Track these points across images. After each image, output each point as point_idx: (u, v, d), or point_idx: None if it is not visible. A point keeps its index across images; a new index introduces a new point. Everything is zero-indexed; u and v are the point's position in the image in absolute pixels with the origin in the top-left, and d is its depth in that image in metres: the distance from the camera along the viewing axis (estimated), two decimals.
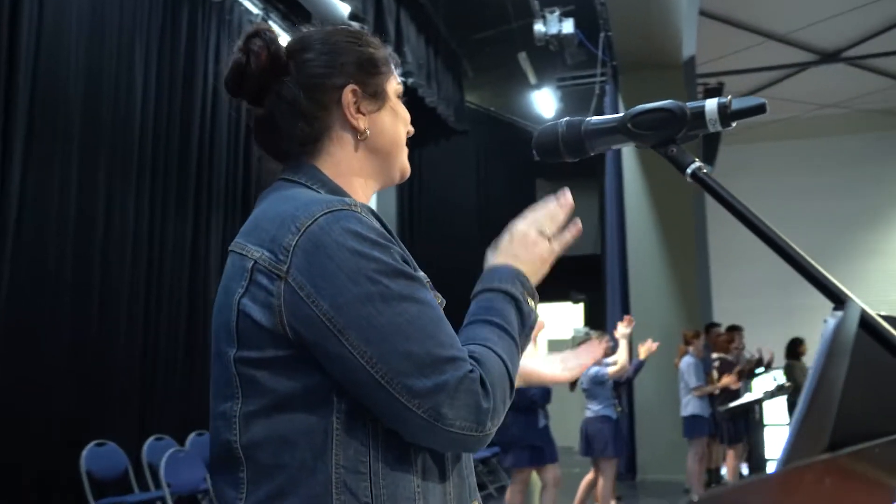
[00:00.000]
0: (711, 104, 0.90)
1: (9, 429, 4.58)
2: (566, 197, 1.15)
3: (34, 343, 4.81)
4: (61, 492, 4.88)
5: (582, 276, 12.00)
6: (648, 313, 7.93)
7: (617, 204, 8.64)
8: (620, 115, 0.95)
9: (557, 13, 8.22)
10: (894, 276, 11.97)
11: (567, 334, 11.41)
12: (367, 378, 0.92)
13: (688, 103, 0.92)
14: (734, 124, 0.90)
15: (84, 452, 4.92)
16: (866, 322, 0.75)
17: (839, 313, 0.74)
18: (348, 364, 0.92)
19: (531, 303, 1.06)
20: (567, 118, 1.00)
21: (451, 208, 10.98)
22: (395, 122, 1.13)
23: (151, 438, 5.49)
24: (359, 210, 0.97)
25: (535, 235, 1.11)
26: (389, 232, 1.02)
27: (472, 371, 0.93)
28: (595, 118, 0.98)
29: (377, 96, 1.11)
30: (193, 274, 6.42)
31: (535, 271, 1.10)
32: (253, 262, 0.96)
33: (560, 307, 13.57)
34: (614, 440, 5.56)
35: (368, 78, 1.10)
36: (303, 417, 0.94)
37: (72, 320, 5.12)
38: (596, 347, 1.25)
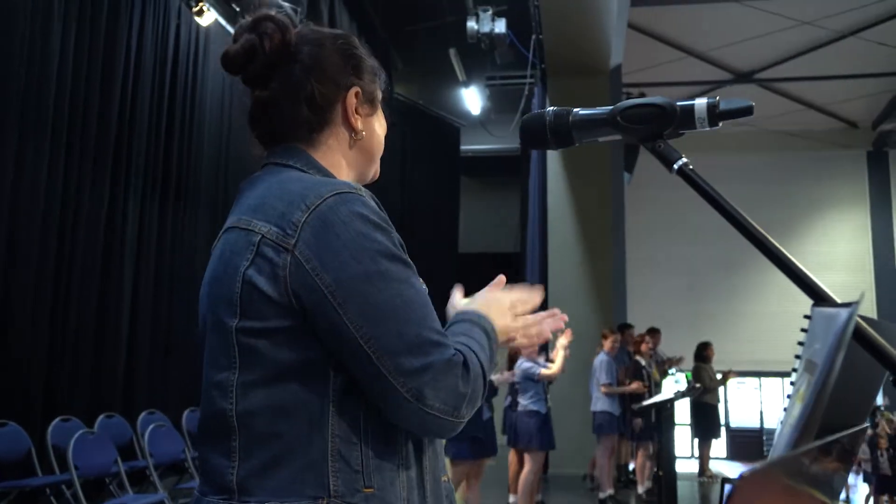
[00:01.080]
0: (701, 103, 0.92)
1: None
2: (540, 293, 1.23)
3: None
4: None
5: (501, 271, 12.15)
6: (565, 312, 8.10)
7: (539, 204, 8.77)
8: (610, 107, 0.97)
9: (490, 12, 8.28)
10: (788, 290, 12.62)
11: None
12: (359, 352, 0.96)
13: (678, 101, 0.93)
14: (721, 124, 0.92)
15: None
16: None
17: (826, 309, 0.77)
18: (343, 336, 0.96)
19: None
20: (555, 108, 1.00)
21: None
22: (381, 128, 1.21)
23: (57, 420, 5.23)
24: (364, 194, 1.03)
25: (506, 306, 1.17)
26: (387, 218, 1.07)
27: (455, 356, 0.99)
28: (584, 109, 0.99)
29: (372, 102, 1.18)
30: (108, 250, 6.16)
31: (501, 336, 1.15)
32: (260, 236, 1.00)
33: None
34: (540, 434, 5.65)
35: (368, 84, 1.17)
36: (301, 388, 0.98)
37: None
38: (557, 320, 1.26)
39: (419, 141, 11.60)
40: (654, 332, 8.12)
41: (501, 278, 1.23)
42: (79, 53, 5.82)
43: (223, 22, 7.94)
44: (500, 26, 8.23)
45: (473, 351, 1.03)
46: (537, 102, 8.86)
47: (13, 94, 5.19)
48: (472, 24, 8.18)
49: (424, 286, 1.04)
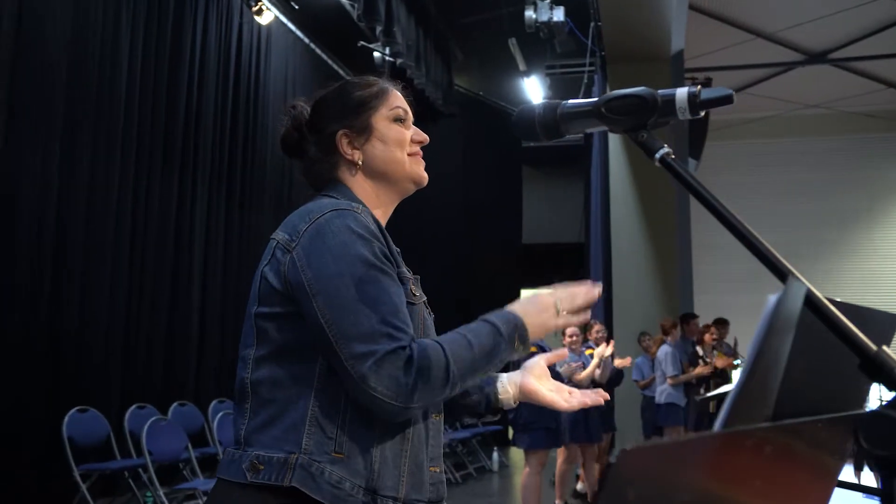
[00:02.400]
0: (682, 92, 0.93)
1: None
2: (595, 290, 1.31)
3: (12, 308, 4.81)
4: (42, 458, 4.90)
5: (565, 263, 12.08)
6: (629, 303, 8.01)
7: (602, 192, 8.68)
8: (595, 99, 0.99)
9: (548, 1, 8.21)
10: (869, 276, 12.12)
11: None
12: (324, 335, 1.17)
13: (659, 91, 0.95)
14: (702, 113, 0.93)
15: (66, 418, 4.94)
16: (812, 303, 0.79)
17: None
18: (314, 322, 1.18)
19: (517, 344, 1.25)
20: (545, 100, 1.03)
21: (436, 192, 10.96)
22: (387, 146, 1.37)
23: (133, 407, 5.51)
24: (359, 211, 1.25)
25: (548, 303, 1.28)
26: (383, 233, 1.27)
27: (403, 349, 1.15)
28: (571, 101, 1.02)
29: (364, 130, 1.37)
30: (178, 244, 6.42)
31: (534, 331, 1.28)
32: (276, 241, 1.26)
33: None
34: (572, 428, 5.68)
35: (355, 119, 1.37)
36: (295, 364, 1.22)
37: (52, 287, 5.11)
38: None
39: (480, 132, 11.61)
40: (721, 324, 7.94)
41: (562, 352, 1.40)
42: (146, 57, 6.09)
43: (284, 19, 8.14)
44: (559, 14, 8.16)
45: (444, 348, 1.17)
46: (597, 90, 8.75)
47: (88, 100, 5.46)
48: (530, 13, 8.13)
49: (399, 290, 1.22)
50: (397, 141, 1.38)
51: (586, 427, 5.78)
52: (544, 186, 13.50)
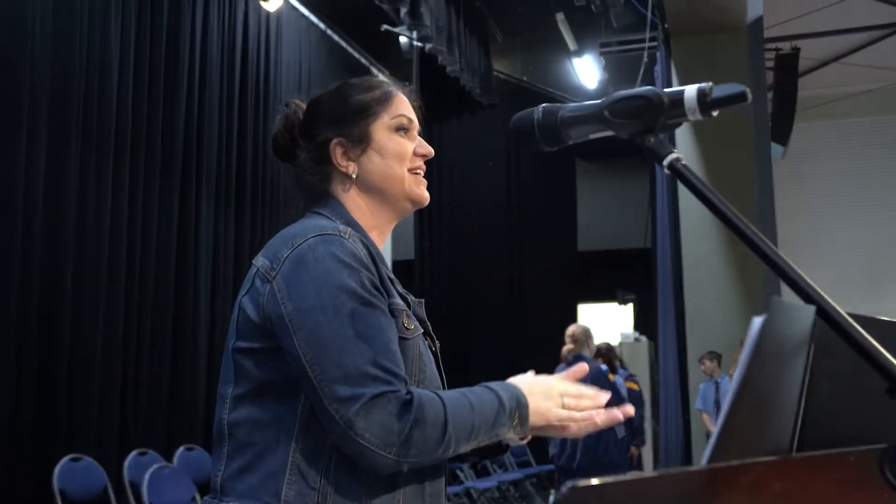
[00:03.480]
0: (691, 91, 0.98)
1: None
2: (601, 398, 1.36)
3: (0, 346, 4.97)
4: None
5: (631, 273, 11.99)
6: (704, 317, 7.94)
7: (669, 189, 8.64)
8: (598, 101, 1.05)
9: None
10: None
11: (614, 340, 11.43)
12: (305, 375, 1.22)
13: (666, 90, 1.00)
14: (715, 113, 0.99)
15: (57, 468, 5.07)
16: (834, 321, 0.84)
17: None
18: (295, 360, 1.23)
19: (515, 422, 1.29)
20: (545, 104, 1.09)
21: (478, 193, 11.05)
22: (385, 160, 1.42)
23: (134, 453, 5.66)
24: (347, 237, 1.30)
25: (554, 392, 1.34)
26: (375, 261, 1.32)
27: (395, 393, 1.19)
28: (572, 105, 1.07)
29: (362, 140, 1.42)
30: (181, 265, 6.56)
31: (534, 416, 1.31)
32: (256, 269, 1.32)
33: (606, 308, 13.55)
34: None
35: (351, 127, 1.42)
36: (274, 404, 1.27)
37: (42, 321, 5.28)
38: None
39: None
40: None
41: (583, 367, 1.41)
42: (140, 52, 6.24)
43: (295, 2, 8.30)
44: None
45: (443, 401, 1.22)
46: (660, 69, 8.73)
47: (73, 100, 5.62)
48: None
49: (390, 326, 1.26)
50: (397, 154, 1.42)
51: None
52: (602, 183, 13.40)
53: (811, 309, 0.77)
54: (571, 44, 9.88)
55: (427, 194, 1.46)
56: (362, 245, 1.31)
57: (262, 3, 7.40)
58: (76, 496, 5.15)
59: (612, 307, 13.24)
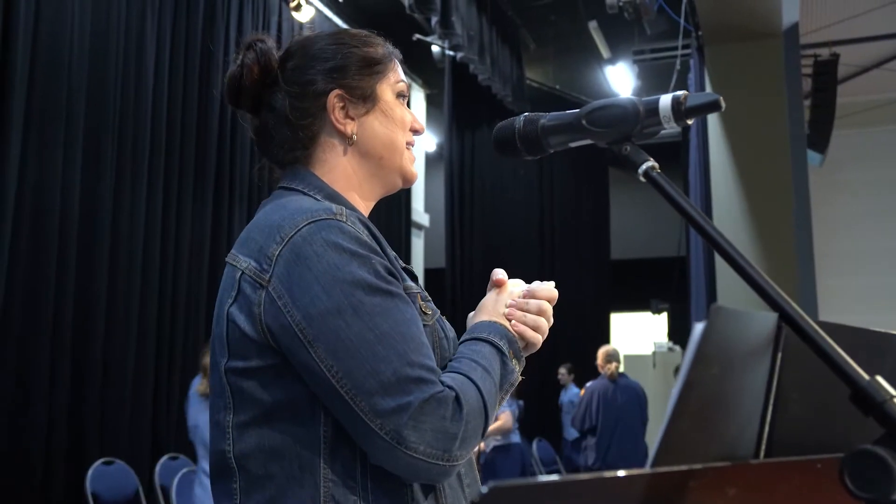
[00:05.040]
0: (665, 100, 1.00)
1: (6, 445, 4.85)
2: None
3: (34, 351, 5.07)
4: None
5: (664, 281, 11.90)
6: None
7: (703, 197, 8.57)
8: (576, 111, 1.06)
9: None
10: None
11: (647, 349, 11.35)
12: (332, 392, 1.05)
13: (643, 99, 1.01)
14: (690, 121, 1.00)
15: (90, 472, 5.18)
16: (800, 329, 0.84)
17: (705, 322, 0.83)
18: (317, 377, 1.06)
19: (515, 363, 1.20)
20: (526, 114, 1.11)
21: (509, 201, 11.06)
22: (389, 125, 1.26)
23: (165, 457, 5.74)
24: (344, 219, 1.11)
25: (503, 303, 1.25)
26: (378, 240, 1.16)
27: (441, 392, 1.05)
28: (552, 114, 1.09)
29: (367, 99, 1.25)
30: (213, 275, 6.64)
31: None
32: (241, 272, 1.13)
33: (639, 318, 13.47)
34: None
35: (356, 80, 1.25)
36: (291, 428, 1.10)
37: (76, 326, 5.38)
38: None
39: None
40: None
41: (497, 274, 1.27)
42: (174, 65, 6.36)
43: (328, 13, 8.40)
44: None
45: (473, 381, 1.10)
46: (693, 77, 8.68)
47: (110, 111, 5.74)
48: None
49: (414, 315, 1.12)
50: (402, 121, 1.28)
51: None
52: (636, 191, 13.34)
53: (771, 316, 0.77)
54: (605, 52, 9.88)
55: (416, 172, 1.32)
56: (362, 224, 1.14)
57: (293, 14, 7.48)
58: (109, 499, 5.24)
59: (645, 316, 13.15)
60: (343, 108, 1.24)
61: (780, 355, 0.86)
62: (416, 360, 1.06)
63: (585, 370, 8.33)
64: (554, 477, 0.58)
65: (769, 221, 8.21)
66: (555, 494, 0.58)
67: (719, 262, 8.31)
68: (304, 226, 1.10)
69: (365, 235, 1.12)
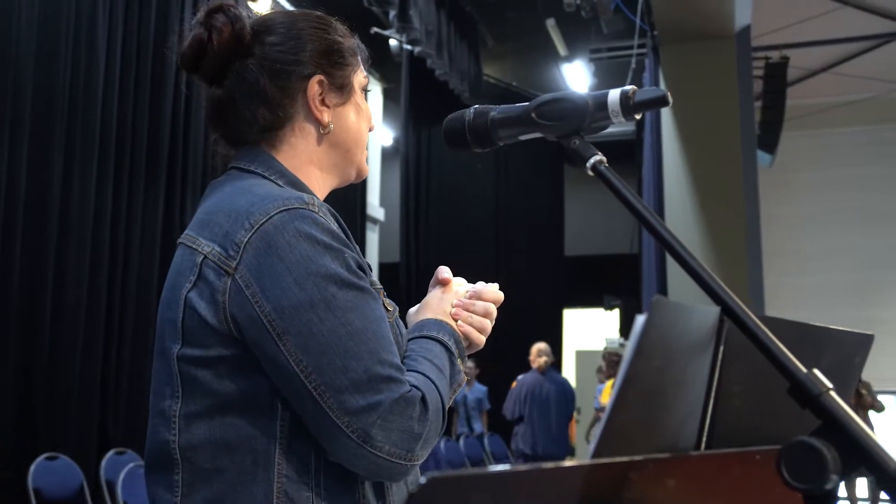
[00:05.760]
0: (614, 94, 1.00)
1: None
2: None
3: None
4: None
5: (617, 278, 12.05)
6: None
7: (656, 195, 8.68)
8: (526, 104, 1.06)
9: None
10: None
11: (598, 345, 11.46)
12: (300, 388, 1.03)
13: (592, 93, 1.02)
14: (638, 116, 1.00)
15: (32, 467, 5.05)
16: (741, 322, 0.85)
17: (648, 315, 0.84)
18: (284, 371, 1.03)
19: (460, 363, 1.20)
20: (476, 106, 1.11)
21: (465, 197, 11.08)
22: (359, 118, 1.25)
23: (111, 452, 5.64)
24: (317, 209, 1.09)
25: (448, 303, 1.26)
26: (346, 233, 1.13)
27: (410, 392, 1.04)
28: (502, 107, 1.09)
29: (343, 89, 1.23)
30: (164, 264, 6.52)
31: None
32: (203, 256, 1.08)
33: (591, 314, 13.60)
34: None
35: (335, 69, 1.22)
36: (245, 422, 1.06)
37: (20, 318, 5.27)
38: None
39: None
40: None
41: (442, 272, 1.28)
42: (126, 44, 6.22)
43: (287, 4, 8.32)
44: None
45: (432, 380, 1.09)
46: (648, 76, 8.77)
47: (59, 94, 5.59)
48: None
49: (383, 313, 1.10)
50: (368, 116, 1.27)
51: None
52: (591, 189, 13.46)
53: (713, 310, 0.78)
54: (562, 49, 9.94)
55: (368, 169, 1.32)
56: (332, 216, 1.12)
57: (249, 4, 7.40)
58: (52, 496, 5.12)
59: (597, 312, 13.27)
60: (321, 94, 1.21)
61: (721, 349, 0.87)
62: (387, 359, 1.05)
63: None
64: (495, 468, 0.58)
65: (720, 220, 8.34)
66: (495, 485, 0.58)
67: (671, 258, 8.41)
68: (276, 214, 1.06)
69: (335, 227, 1.10)
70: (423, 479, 0.53)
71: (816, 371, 0.81)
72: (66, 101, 5.68)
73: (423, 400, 1.05)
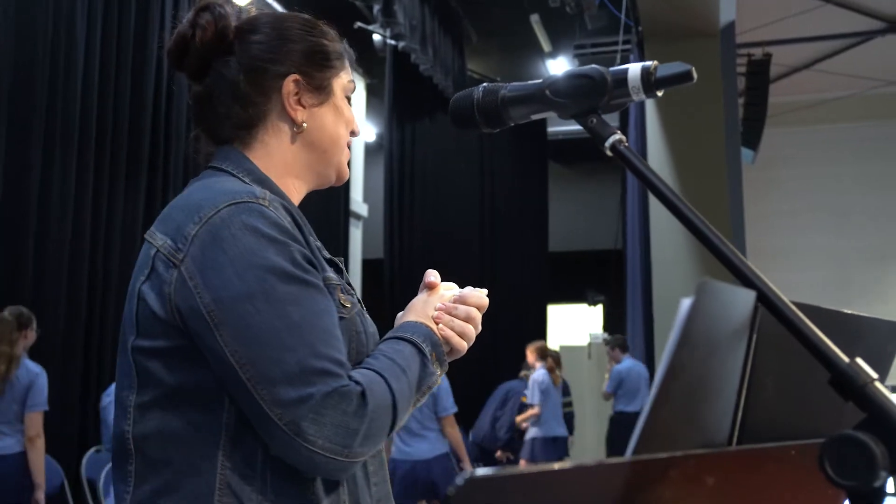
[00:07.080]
0: (635, 69, 0.95)
1: None
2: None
3: None
4: None
5: (601, 274, 12.04)
6: (673, 318, 7.95)
7: (640, 193, 8.67)
8: (539, 81, 1.00)
9: None
10: None
11: (583, 340, 11.45)
12: (235, 378, 1.03)
13: (611, 69, 0.96)
14: (660, 93, 0.94)
15: None
16: (777, 310, 0.80)
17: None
18: (222, 362, 1.04)
19: (436, 367, 1.18)
20: (486, 84, 1.05)
21: (449, 193, 11.02)
22: (337, 121, 1.26)
23: (92, 450, 5.56)
24: (267, 203, 1.09)
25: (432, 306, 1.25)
26: (301, 228, 1.14)
27: (345, 386, 1.03)
28: (514, 84, 1.03)
29: (321, 90, 1.24)
30: None
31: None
32: (156, 249, 1.10)
33: (575, 309, 13.59)
34: None
35: (315, 70, 1.23)
36: (192, 413, 1.07)
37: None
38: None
39: None
40: None
41: (430, 276, 1.27)
42: (106, 38, 6.11)
43: (271, 0, 8.23)
44: None
45: (385, 378, 1.08)
46: None
47: (38, 88, 5.49)
48: None
49: (329, 307, 1.09)
50: (349, 120, 1.28)
51: None
52: (574, 185, 13.48)
53: (749, 294, 0.72)
54: (546, 45, 9.91)
55: (349, 173, 1.33)
56: (285, 211, 1.12)
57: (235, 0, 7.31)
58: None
59: (581, 308, 13.26)
60: (297, 94, 1.21)
61: (755, 337, 0.82)
62: (324, 352, 1.04)
63: (522, 360, 8.46)
64: (533, 467, 0.52)
65: (705, 216, 8.32)
66: (532, 484, 0.53)
67: (655, 254, 8.40)
68: (224, 207, 1.07)
69: (286, 222, 1.10)
70: (460, 479, 0.49)
71: (860, 360, 0.76)
72: (45, 98, 5.59)
73: (363, 395, 1.04)
